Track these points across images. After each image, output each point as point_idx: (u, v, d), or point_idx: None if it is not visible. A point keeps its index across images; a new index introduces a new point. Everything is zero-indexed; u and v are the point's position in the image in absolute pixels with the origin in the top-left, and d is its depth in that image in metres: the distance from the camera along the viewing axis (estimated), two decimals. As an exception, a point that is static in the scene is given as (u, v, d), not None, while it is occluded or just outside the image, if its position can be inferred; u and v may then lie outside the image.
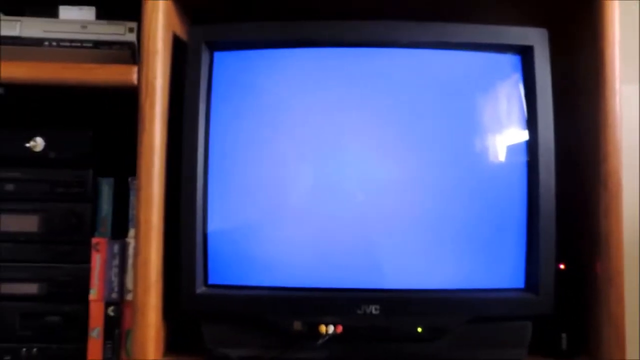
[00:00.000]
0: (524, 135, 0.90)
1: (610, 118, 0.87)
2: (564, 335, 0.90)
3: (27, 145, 0.91)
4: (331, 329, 0.85)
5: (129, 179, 0.94)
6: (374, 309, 0.86)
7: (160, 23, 0.87)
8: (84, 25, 0.90)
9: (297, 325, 0.86)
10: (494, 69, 0.91)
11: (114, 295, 0.91)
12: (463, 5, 0.97)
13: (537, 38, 0.89)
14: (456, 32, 0.89)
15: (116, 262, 0.92)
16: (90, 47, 0.90)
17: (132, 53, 0.91)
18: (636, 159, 1.15)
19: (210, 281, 0.89)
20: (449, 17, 0.90)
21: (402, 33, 0.89)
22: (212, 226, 0.89)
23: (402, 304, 0.87)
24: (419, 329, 0.87)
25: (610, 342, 0.85)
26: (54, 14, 0.92)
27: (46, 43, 0.90)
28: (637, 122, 1.17)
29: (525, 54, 0.89)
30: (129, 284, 0.91)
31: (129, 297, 0.91)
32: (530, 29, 0.89)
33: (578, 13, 0.94)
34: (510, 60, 0.90)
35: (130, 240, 0.92)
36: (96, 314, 0.90)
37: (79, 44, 0.90)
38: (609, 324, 0.85)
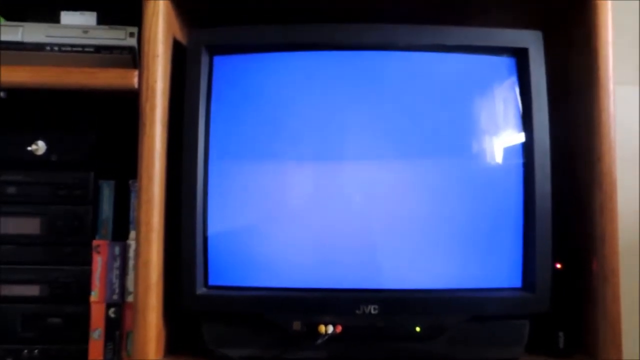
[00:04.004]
0: (519, 137, 0.91)
1: (604, 118, 0.88)
2: (561, 333, 0.91)
3: (29, 148, 0.92)
4: (330, 328, 0.86)
5: (130, 182, 0.95)
6: (372, 309, 0.86)
7: (161, 27, 0.88)
8: (85, 30, 0.91)
9: (297, 325, 0.87)
10: (490, 71, 0.92)
11: (115, 297, 0.92)
12: (458, 9, 0.98)
13: (531, 40, 0.90)
14: (452, 34, 0.90)
15: (117, 264, 0.92)
16: (91, 52, 0.91)
17: (133, 57, 0.92)
18: (636, 160, 1.16)
19: (211, 282, 0.89)
20: (445, 21, 0.92)
21: (399, 36, 0.90)
22: (212, 228, 0.90)
23: (400, 303, 0.88)
24: (418, 329, 0.88)
25: (607, 341, 0.86)
26: (55, 19, 0.94)
27: (48, 48, 0.91)
28: (637, 123, 1.18)
29: (520, 56, 0.90)
30: (130, 285, 0.92)
31: (130, 298, 0.91)
32: (525, 31, 0.90)
33: (572, 14, 0.95)
34: (505, 63, 0.91)
35: (131, 242, 0.93)
36: (97, 315, 0.91)
37: (80, 49, 0.91)
38: (605, 322, 0.86)
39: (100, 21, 0.94)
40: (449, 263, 0.90)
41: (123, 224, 0.95)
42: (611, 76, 0.88)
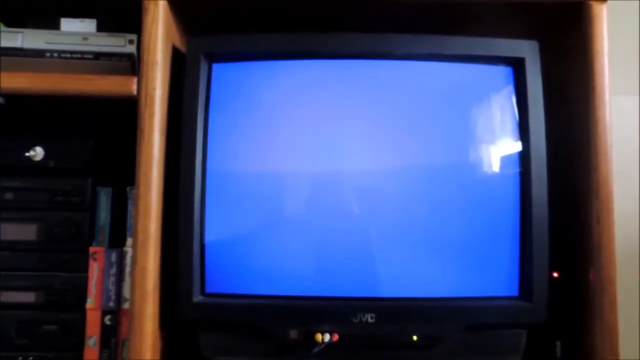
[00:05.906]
0: (516, 146, 0.91)
1: (600, 128, 0.88)
2: (558, 342, 0.91)
3: (27, 154, 0.92)
4: (327, 337, 0.86)
5: (127, 189, 0.95)
6: (369, 317, 0.86)
7: (160, 35, 0.89)
8: (85, 37, 0.92)
9: (294, 333, 0.87)
10: (487, 80, 0.92)
11: (111, 304, 0.92)
12: (456, 19, 0.99)
13: (528, 50, 0.90)
14: (449, 44, 0.90)
15: (113, 270, 0.92)
16: (90, 59, 0.91)
17: (132, 64, 0.92)
18: (637, 169, 1.15)
19: (208, 290, 0.89)
20: (443, 30, 0.92)
21: (397, 45, 0.90)
22: (209, 235, 0.90)
23: (397, 312, 0.87)
24: (414, 337, 0.87)
25: (604, 350, 0.86)
26: (55, 26, 0.94)
27: (47, 54, 0.91)
28: (637, 133, 1.18)
29: (516, 65, 0.91)
30: (126, 292, 0.91)
31: (126, 305, 0.91)
32: (522, 41, 0.91)
33: (569, 24, 0.96)
34: (502, 72, 0.92)
35: (128, 249, 0.92)
36: (93, 322, 0.91)
37: (79, 56, 0.91)
38: (602, 331, 0.86)
39: (100, 28, 0.95)
40: (446, 272, 0.90)
41: (120, 231, 0.95)
42: (607, 86, 0.88)
